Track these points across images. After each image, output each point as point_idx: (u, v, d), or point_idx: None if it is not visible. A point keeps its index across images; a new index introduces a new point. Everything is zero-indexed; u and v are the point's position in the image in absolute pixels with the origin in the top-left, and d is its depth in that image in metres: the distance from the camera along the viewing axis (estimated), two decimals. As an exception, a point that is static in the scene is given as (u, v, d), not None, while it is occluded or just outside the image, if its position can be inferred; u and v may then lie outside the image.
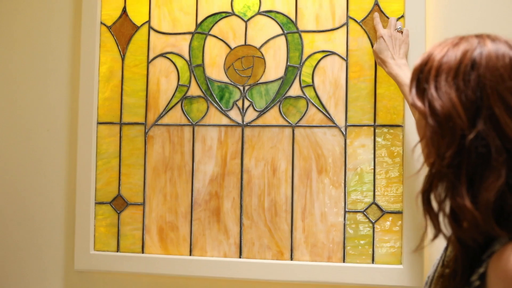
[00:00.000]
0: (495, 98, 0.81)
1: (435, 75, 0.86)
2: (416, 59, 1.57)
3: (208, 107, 1.75)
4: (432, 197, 0.87)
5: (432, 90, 0.85)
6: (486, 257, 0.83)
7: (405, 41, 1.58)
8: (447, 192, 0.84)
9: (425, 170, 0.90)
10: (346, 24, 1.69)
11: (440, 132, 0.83)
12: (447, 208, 0.85)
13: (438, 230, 0.88)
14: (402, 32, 1.59)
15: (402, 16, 1.64)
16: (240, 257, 1.72)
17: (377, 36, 1.60)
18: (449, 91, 0.83)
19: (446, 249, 1.01)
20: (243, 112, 1.73)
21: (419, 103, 0.87)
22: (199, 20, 1.77)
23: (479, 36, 0.89)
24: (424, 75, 0.88)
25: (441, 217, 0.87)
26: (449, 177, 0.83)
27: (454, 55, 0.86)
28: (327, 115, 1.69)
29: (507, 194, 0.81)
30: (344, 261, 1.66)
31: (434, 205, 0.88)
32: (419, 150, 0.94)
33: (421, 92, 0.88)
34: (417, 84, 0.90)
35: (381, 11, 1.67)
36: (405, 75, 1.50)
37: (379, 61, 1.59)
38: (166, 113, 1.77)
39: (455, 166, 0.82)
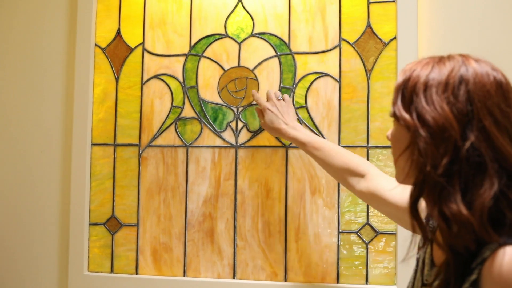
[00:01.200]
0: (484, 112, 0.85)
1: (424, 90, 0.89)
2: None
3: (201, 129, 1.75)
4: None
5: (423, 103, 0.88)
6: (476, 264, 0.85)
7: (290, 106, 1.61)
8: (439, 199, 0.86)
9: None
10: (339, 45, 1.71)
11: (433, 142, 0.86)
12: (436, 216, 0.87)
13: (426, 238, 0.93)
14: (284, 99, 1.61)
15: (394, 38, 1.65)
16: (234, 278, 1.72)
17: (262, 110, 1.61)
18: (441, 103, 0.87)
19: (416, 271, 1.05)
20: (236, 133, 1.74)
21: (406, 116, 0.90)
22: (192, 42, 1.78)
23: (463, 56, 0.93)
24: (409, 89, 0.92)
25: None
26: (443, 185, 0.85)
27: (440, 71, 0.90)
28: (321, 136, 1.69)
29: (501, 200, 0.84)
30: (338, 282, 1.66)
31: (422, 214, 0.91)
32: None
33: (407, 105, 0.91)
34: (402, 98, 0.93)
35: (373, 33, 1.68)
36: (304, 134, 1.52)
37: (273, 133, 1.60)
38: (160, 134, 1.77)
39: (449, 174, 0.85)
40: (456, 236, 0.85)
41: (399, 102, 0.93)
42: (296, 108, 1.70)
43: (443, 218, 0.86)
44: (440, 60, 0.93)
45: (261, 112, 1.62)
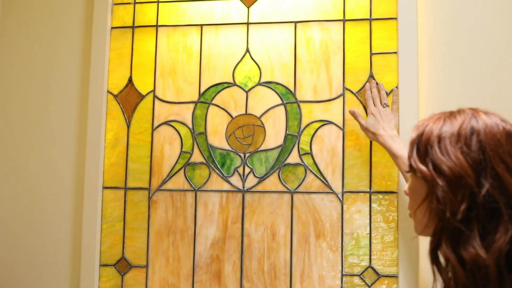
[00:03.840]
0: (496, 160, 0.90)
1: (438, 142, 0.94)
2: (409, 128, 1.64)
3: (210, 173, 1.81)
4: (439, 252, 0.95)
5: (438, 154, 0.93)
6: None
7: (394, 115, 1.66)
8: (457, 244, 0.90)
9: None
10: (343, 95, 1.77)
11: (451, 190, 0.91)
12: (454, 260, 0.91)
13: (446, 282, 0.95)
14: (389, 106, 1.67)
15: (396, 88, 1.72)
16: (240, 319, 1.76)
17: (368, 113, 1.68)
18: (455, 153, 0.92)
19: None
20: (243, 178, 1.79)
21: (423, 168, 0.95)
22: (202, 90, 1.85)
23: (472, 109, 0.99)
24: (423, 143, 0.97)
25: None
26: (462, 230, 0.90)
27: (452, 124, 0.95)
28: (325, 181, 1.75)
29: None
30: (341, 324, 1.71)
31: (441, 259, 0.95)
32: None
33: (423, 158, 0.96)
34: (418, 151, 0.98)
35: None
36: (398, 146, 1.57)
37: (370, 136, 1.65)
38: (169, 178, 1.83)
39: (467, 220, 0.90)
40: (476, 278, 0.89)
41: (414, 155, 0.98)
42: (301, 155, 1.77)
43: (460, 262, 0.90)
44: (451, 114, 0.98)
45: (355, 115, 1.68)
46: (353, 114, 1.69)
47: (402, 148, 1.56)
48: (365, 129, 1.67)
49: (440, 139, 0.94)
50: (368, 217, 1.72)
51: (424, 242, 1.65)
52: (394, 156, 1.58)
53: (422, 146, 0.97)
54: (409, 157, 0.99)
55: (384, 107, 1.66)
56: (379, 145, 1.71)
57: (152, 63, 1.88)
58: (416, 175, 0.98)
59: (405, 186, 1.67)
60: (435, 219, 0.94)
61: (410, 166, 0.99)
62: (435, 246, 0.95)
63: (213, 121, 1.83)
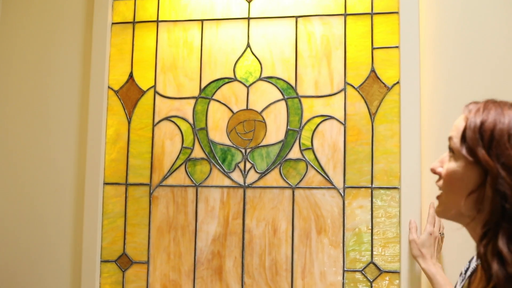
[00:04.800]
0: None
1: (508, 136, 0.93)
2: (410, 123, 1.64)
3: (211, 169, 1.81)
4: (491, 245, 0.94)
5: (507, 149, 0.92)
6: None
7: (441, 246, 1.60)
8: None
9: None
10: (344, 89, 1.76)
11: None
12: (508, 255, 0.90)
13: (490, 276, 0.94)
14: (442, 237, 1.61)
15: (398, 83, 1.71)
16: (241, 315, 1.76)
17: (426, 231, 1.58)
18: None
19: None
20: (244, 174, 1.79)
21: (487, 157, 0.93)
22: (202, 85, 1.84)
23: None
24: (488, 132, 0.95)
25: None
26: None
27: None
28: (326, 177, 1.75)
29: None
30: (343, 320, 1.70)
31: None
32: None
33: (487, 147, 0.94)
34: (481, 139, 0.95)
35: (377, 78, 1.74)
36: (441, 275, 1.51)
37: (417, 253, 1.56)
38: (170, 174, 1.83)
39: None
40: None
41: (476, 142, 0.96)
42: (302, 150, 1.76)
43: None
44: (504, 105, 0.98)
45: (411, 225, 1.62)
46: (410, 225, 1.63)
47: (445, 278, 1.51)
48: (414, 243, 1.58)
49: (509, 134, 0.93)
50: (370, 212, 1.71)
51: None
52: (435, 283, 1.51)
53: (486, 135, 0.95)
54: (474, 145, 0.96)
55: (441, 236, 1.60)
56: (381, 140, 1.71)
57: (153, 59, 1.88)
58: (467, 162, 0.96)
59: (407, 180, 1.66)
60: (486, 209, 0.93)
61: (469, 150, 0.96)
62: (489, 239, 0.93)
63: (214, 116, 1.83)
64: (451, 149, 1.00)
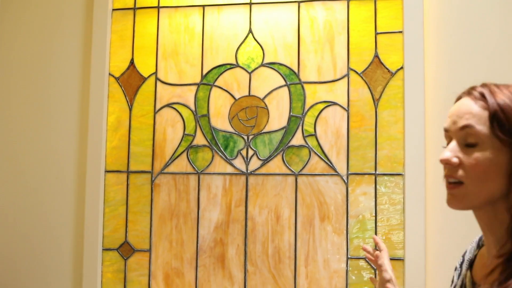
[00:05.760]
0: None
1: None
2: (415, 107, 1.63)
3: (213, 156, 1.80)
4: None
5: None
6: None
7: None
8: None
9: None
10: (347, 75, 1.75)
11: None
12: None
13: None
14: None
15: (401, 68, 1.69)
16: (244, 303, 1.75)
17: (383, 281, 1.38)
18: None
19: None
20: (247, 161, 1.78)
21: None
22: (204, 72, 1.83)
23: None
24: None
25: None
26: None
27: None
28: (329, 163, 1.73)
29: None
30: (347, 308, 1.69)
31: None
32: None
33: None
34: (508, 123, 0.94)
35: (381, 63, 1.72)
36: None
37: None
38: (172, 161, 1.82)
39: None
40: None
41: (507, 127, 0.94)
42: (305, 137, 1.74)
43: None
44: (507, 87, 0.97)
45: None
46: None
47: None
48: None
49: None
50: (374, 199, 1.70)
51: (431, 225, 1.63)
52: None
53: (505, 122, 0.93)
54: (503, 130, 0.94)
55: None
56: (384, 126, 1.69)
57: (154, 45, 1.86)
58: (499, 146, 0.93)
59: (411, 166, 1.65)
60: None
61: (502, 135, 0.93)
62: None
63: (216, 103, 1.81)
64: (469, 137, 0.96)
